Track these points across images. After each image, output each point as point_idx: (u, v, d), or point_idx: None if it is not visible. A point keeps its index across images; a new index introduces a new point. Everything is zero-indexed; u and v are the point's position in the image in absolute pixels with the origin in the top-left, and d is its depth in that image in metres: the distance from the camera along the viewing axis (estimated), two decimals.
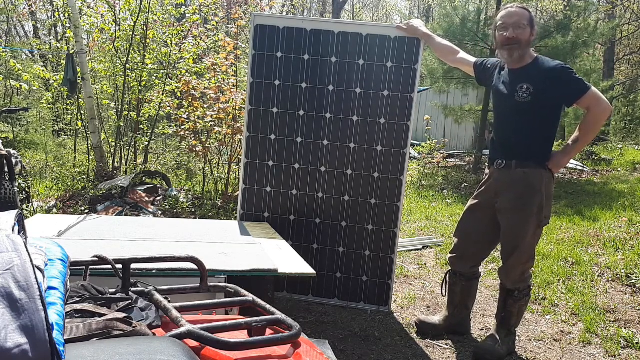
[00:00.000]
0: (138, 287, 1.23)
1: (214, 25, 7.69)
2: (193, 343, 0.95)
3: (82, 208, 5.00)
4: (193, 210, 5.37)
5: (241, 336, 1.07)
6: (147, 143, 7.37)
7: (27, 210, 4.85)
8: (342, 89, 3.25)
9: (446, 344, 2.86)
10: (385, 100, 3.22)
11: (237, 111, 5.85)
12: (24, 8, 15.65)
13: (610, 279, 3.97)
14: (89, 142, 6.92)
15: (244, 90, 6.02)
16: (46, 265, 0.90)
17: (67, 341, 0.82)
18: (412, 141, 3.91)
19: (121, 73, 6.78)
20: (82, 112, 7.67)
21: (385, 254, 3.29)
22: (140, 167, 7.05)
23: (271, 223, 3.28)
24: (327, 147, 3.29)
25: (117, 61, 6.95)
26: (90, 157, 7.15)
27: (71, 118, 10.30)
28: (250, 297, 1.23)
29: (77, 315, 0.98)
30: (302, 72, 3.26)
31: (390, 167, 3.26)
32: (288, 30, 3.22)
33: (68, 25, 7.26)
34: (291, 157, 3.32)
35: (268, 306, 1.16)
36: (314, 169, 3.31)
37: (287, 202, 3.35)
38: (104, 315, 0.98)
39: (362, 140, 3.27)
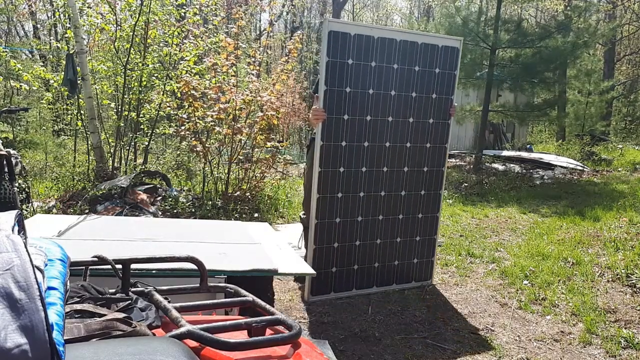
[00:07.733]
0: (138, 287, 1.23)
1: (214, 25, 7.67)
2: (193, 343, 0.95)
3: (82, 208, 5.00)
4: (193, 210, 5.37)
5: (241, 336, 1.06)
6: (147, 143, 7.36)
7: (27, 210, 4.86)
8: (402, 94, 3.45)
9: (446, 344, 2.86)
10: (433, 102, 3.53)
11: (237, 111, 5.85)
12: (24, 8, 15.64)
13: (610, 279, 3.96)
14: (89, 142, 6.91)
15: (245, 90, 6.02)
16: (46, 265, 0.90)
17: (67, 341, 0.82)
18: None
19: (121, 73, 6.77)
20: (82, 112, 7.65)
21: (430, 236, 3.77)
22: (140, 167, 7.04)
23: (341, 226, 3.44)
24: (388, 148, 3.50)
25: (118, 61, 6.95)
26: (90, 157, 7.14)
27: (71, 118, 10.28)
28: (250, 297, 1.23)
29: (77, 316, 0.97)
30: (370, 78, 3.34)
31: (435, 160, 3.64)
32: (358, 37, 3.26)
33: (68, 25, 7.24)
34: (359, 162, 3.44)
35: (268, 306, 1.16)
36: (377, 170, 3.50)
37: (356, 205, 3.49)
38: (104, 315, 0.98)
39: (415, 139, 3.55)
